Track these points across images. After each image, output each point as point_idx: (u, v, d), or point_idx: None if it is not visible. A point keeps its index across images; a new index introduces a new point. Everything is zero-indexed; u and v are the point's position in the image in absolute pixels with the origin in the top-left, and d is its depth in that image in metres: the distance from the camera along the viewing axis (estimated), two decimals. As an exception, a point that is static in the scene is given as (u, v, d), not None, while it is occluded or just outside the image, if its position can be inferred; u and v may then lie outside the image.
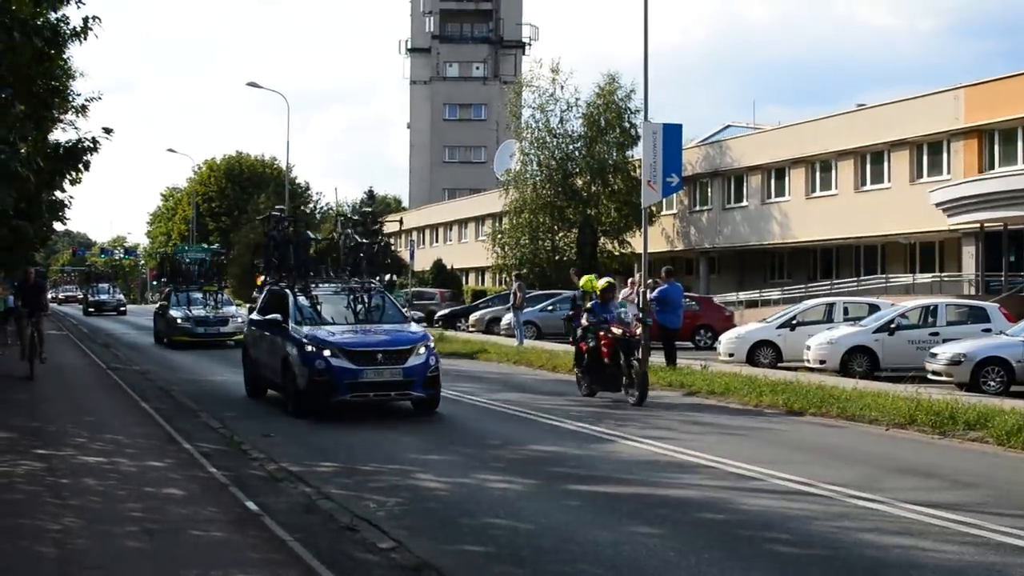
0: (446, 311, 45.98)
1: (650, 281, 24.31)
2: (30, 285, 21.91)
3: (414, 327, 17.44)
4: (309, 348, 15.75)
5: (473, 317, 43.09)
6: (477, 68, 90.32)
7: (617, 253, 51.15)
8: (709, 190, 50.30)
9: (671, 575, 7.66)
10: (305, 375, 15.72)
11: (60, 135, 25.02)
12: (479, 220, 69.32)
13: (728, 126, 59.18)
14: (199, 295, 35.11)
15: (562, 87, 51.64)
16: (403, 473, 11.65)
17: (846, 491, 10.50)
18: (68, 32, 16.11)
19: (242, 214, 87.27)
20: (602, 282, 19.18)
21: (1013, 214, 32.98)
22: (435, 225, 76.78)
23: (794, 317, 27.01)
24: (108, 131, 16.15)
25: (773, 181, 46.67)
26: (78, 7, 16.42)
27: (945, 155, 37.99)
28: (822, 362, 23.80)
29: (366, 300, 17.62)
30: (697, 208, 51.39)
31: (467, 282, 67.49)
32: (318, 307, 17.27)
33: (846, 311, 27.03)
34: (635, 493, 10.64)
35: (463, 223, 72.62)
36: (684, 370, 21.71)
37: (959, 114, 36.56)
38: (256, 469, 11.83)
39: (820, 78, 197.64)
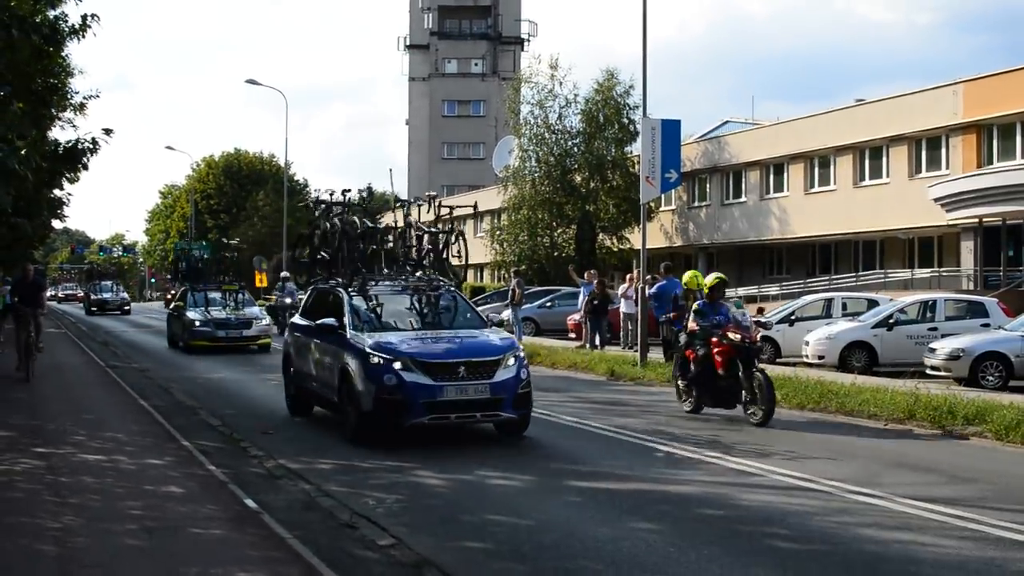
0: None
1: (648, 277, 24.33)
2: (28, 282, 21.18)
3: (497, 333, 14.76)
4: (375, 359, 12.98)
5: (472, 313, 43.05)
6: (476, 64, 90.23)
7: (616, 249, 51.10)
8: (708, 186, 50.29)
9: (671, 571, 7.66)
10: (371, 393, 12.87)
11: (59, 133, 25.05)
12: (477, 216, 69.24)
13: (726, 122, 59.12)
14: (218, 295, 31.78)
15: (561, 83, 51.57)
16: (402, 470, 11.65)
17: (845, 486, 10.51)
18: (66, 29, 16.10)
19: (241, 211, 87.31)
20: (711, 278, 16.49)
21: (1011, 209, 32.99)
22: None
23: (793, 313, 27.00)
24: (108, 132, 16.14)
25: (772, 177, 46.65)
26: (76, 4, 16.44)
27: (944, 150, 37.97)
28: (821, 357, 23.82)
29: (434, 301, 15.02)
30: (696, 204, 51.37)
31: (465, 279, 67.41)
32: (378, 310, 14.62)
33: (845, 306, 27.03)
34: (635, 489, 10.64)
35: (462, 220, 72.42)
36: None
37: (958, 109, 36.54)
38: (255, 467, 11.85)
39: (818, 73, 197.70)
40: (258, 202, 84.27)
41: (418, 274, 15.83)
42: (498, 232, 54.04)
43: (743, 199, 48.08)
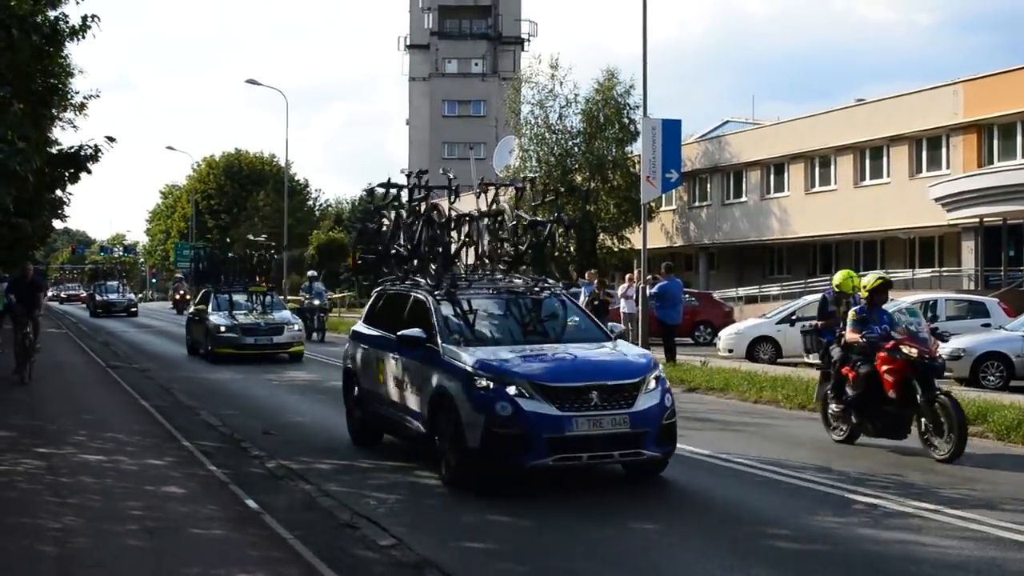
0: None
1: (649, 277, 24.34)
2: (27, 282, 20.61)
3: (629, 347, 12.02)
4: (483, 383, 10.23)
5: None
6: (476, 64, 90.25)
7: (616, 249, 51.06)
8: (708, 186, 50.29)
9: (671, 570, 7.66)
10: (478, 425, 10.08)
11: (59, 133, 25.08)
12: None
13: (727, 121, 59.12)
14: (243, 297, 28.55)
15: (561, 83, 51.50)
16: (403, 470, 11.66)
17: (846, 487, 10.51)
18: (67, 30, 16.10)
19: (241, 211, 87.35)
20: (870, 278, 13.61)
21: (1012, 208, 32.98)
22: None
23: (793, 313, 26.98)
24: (111, 139, 16.17)
25: (772, 176, 46.65)
26: (77, 4, 16.44)
27: (944, 150, 37.97)
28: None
29: (539, 307, 12.19)
30: (696, 204, 51.37)
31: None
32: (472, 317, 11.73)
33: (845, 306, 26.96)
34: (635, 489, 10.64)
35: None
36: (683, 366, 21.72)
37: (958, 109, 36.53)
38: (256, 467, 11.84)
39: (819, 73, 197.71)
40: (259, 202, 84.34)
41: (511, 275, 12.92)
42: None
43: (744, 199, 48.08)
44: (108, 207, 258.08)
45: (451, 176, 14.38)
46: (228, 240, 74.59)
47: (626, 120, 50.09)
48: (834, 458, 12.30)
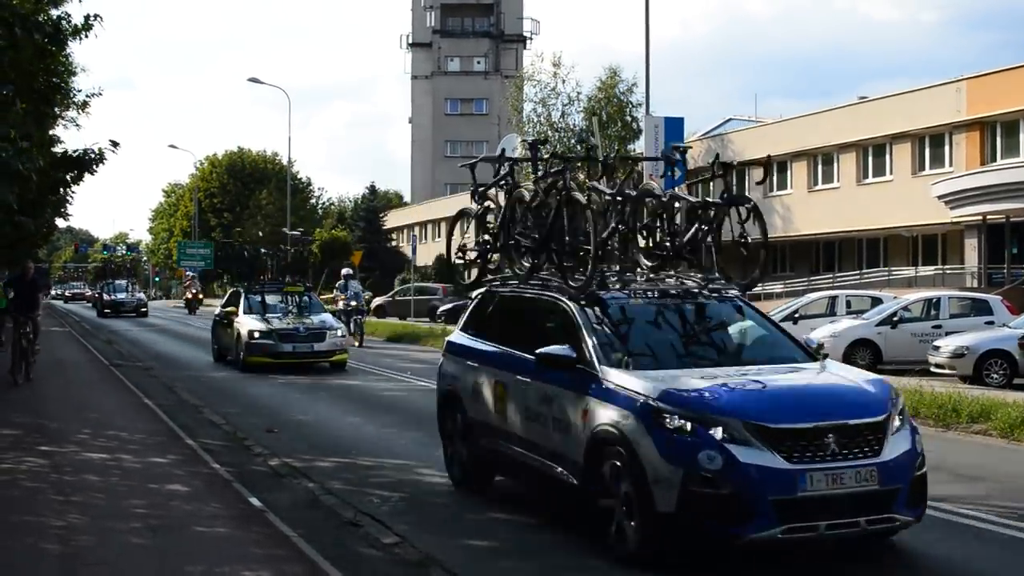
0: (449, 306, 46.01)
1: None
2: (27, 280, 20.11)
3: (847, 369, 9.60)
4: (678, 422, 7.59)
5: (476, 311, 43.09)
6: (478, 62, 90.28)
7: (619, 247, 51.07)
8: (711, 184, 50.19)
9: (675, 567, 7.64)
10: (673, 481, 7.42)
11: (62, 132, 25.08)
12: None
13: (730, 119, 59.08)
14: (277, 299, 25.39)
15: (563, 81, 51.58)
16: (406, 468, 11.66)
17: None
18: (69, 29, 16.09)
19: (244, 210, 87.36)
20: None
21: (1015, 206, 32.95)
22: (437, 220, 76.68)
23: (796, 310, 26.97)
24: (115, 144, 16.16)
25: (775, 174, 46.58)
26: (80, 2, 16.44)
27: (947, 147, 37.96)
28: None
29: (713, 316, 9.36)
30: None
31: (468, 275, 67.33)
32: (632, 331, 8.98)
33: (848, 304, 27.01)
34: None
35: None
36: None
37: (961, 106, 36.51)
38: (259, 465, 11.84)
39: (822, 71, 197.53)
40: (261, 200, 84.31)
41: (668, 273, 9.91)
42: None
43: (746, 197, 48.00)
44: (111, 206, 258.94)
45: (594, 141, 11.81)
46: (239, 236, 74.67)
47: (629, 118, 50.13)
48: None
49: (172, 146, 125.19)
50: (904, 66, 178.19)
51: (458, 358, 10.86)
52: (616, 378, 8.12)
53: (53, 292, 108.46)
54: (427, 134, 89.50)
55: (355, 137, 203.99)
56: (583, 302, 9.06)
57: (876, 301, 26.50)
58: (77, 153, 16.76)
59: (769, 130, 48.10)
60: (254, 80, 56.83)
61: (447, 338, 11.56)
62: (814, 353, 9.13)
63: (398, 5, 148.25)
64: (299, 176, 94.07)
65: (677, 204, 10.32)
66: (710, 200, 9.84)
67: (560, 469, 8.58)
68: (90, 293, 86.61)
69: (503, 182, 11.44)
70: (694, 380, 7.96)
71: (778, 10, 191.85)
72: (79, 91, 25.88)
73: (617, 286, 9.44)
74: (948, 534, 8.57)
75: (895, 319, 23.86)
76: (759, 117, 58.17)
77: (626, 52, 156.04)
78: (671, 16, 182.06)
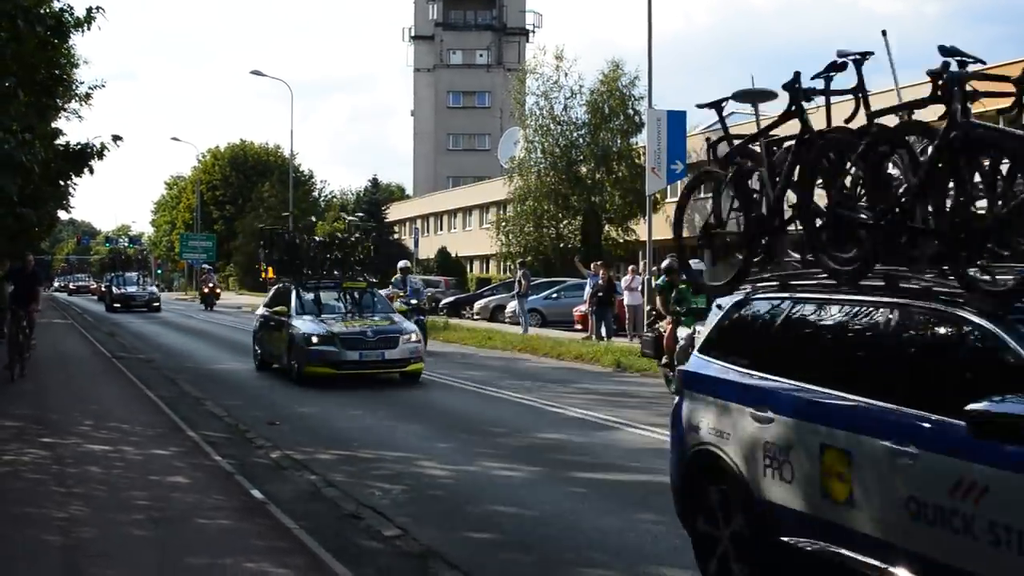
0: (451, 299, 46.10)
1: (655, 268, 24.29)
2: (27, 273, 19.79)
3: None
4: None
5: (478, 305, 43.15)
6: (481, 55, 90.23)
7: (622, 240, 51.04)
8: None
9: (677, 562, 7.65)
10: None
11: (64, 124, 25.07)
12: (483, 208, 69.23)
13: (732, 113, 58.89)
14: (334, 296, 21.38)
15: (566, 74, 51.51)
16: (407, 461, 11.66)
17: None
18: (72, 21, 16.10)
19: (246, 202, 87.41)
20: None
21: (1018, 201, 32.91)
22: (439, 213, 76.67)
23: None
24: (117, 138, 16.17)
25: (777, 168, 46.53)
26: (83, -5, 16.43)
27: (950, 142, 37.87)
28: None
29: None
30: (701, 195, 51.24)
31: (471, 270, 67.47)
32: None
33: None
34: (641, 481, 10.62)
35: (467, 211, 72.50)
36: (689, 357, 21.62)
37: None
38: (261, 457, 11.85)
39: (824, 64, 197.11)
40: (264, 193, 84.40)
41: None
42: (503, 223, 54.04)
43: (749, 190, 47.98)
44: (113, 198, 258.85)
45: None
46: (232, 229, 74.38)
47: (631, 111, 50.07)
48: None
49: (174, 138, 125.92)
50: (907, 59, 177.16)
51: (720, 401, 7.03)
52: None
53: (56, 284, 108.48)
54: (429, 127, 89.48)
55: (357, 130, 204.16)
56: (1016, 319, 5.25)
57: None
58: (79, 147, 16.77)
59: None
60: (256, 73, 56.98)
61: (685, 367, 7.82)
62: None
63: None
64: (301, 169, 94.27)
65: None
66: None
67: None
68: (96, 286, 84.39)
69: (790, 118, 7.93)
70: None
71: (781, 3, 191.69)
72: (81, 83, 25.91)
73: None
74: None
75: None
76: (762, 110, 58.04)
77: (629, 45, 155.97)
78: (674, 9, 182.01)
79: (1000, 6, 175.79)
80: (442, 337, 30.33)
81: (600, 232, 49.30)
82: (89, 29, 16.11)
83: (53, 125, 22.19)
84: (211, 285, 56.14)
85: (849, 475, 5.80)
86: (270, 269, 57.92)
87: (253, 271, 63.23)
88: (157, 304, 52.69)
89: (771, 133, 8.08)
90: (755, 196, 7.61)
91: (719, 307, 7.64)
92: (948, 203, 5.78)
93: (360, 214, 54.26)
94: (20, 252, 23.58)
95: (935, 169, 5.88)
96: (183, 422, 13.96)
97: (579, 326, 31.90)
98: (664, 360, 17.44)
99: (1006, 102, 7.03)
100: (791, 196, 7.04)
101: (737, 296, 7.43)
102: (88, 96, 25.74)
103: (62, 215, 40.60)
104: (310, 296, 21.03)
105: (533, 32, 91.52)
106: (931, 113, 6.64)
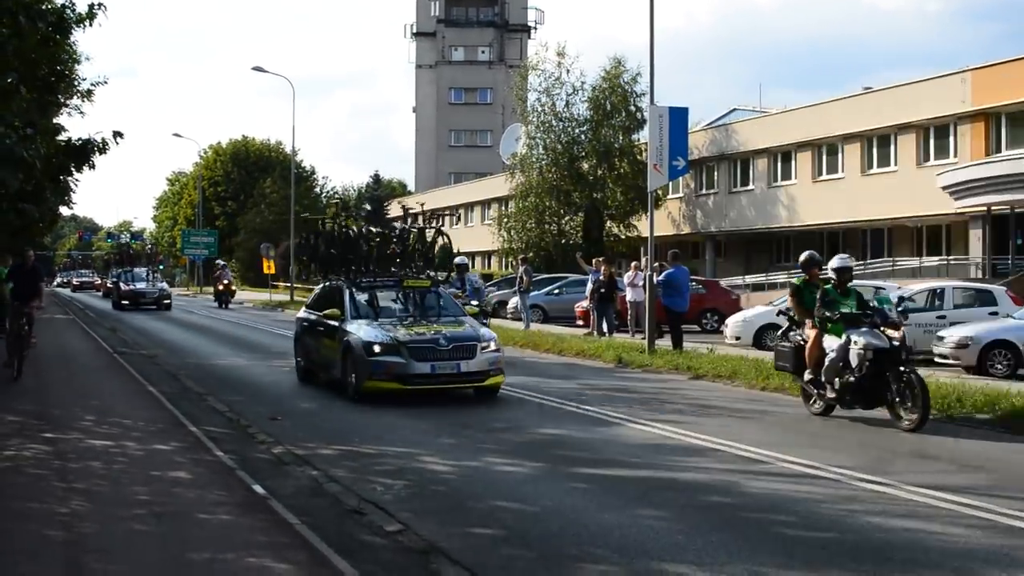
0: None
1: (656, 265, 24.29)
2: (27, 269, 19.42)
3: None
4: None
5: (479, 301, 43.11)
6: (483, 52, 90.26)
7: (623, 237, 51.09)
8: (715, 174, 50.21)
9: (678, 557, 7.65)
10: None
11: (66, 120, 25.07)
12: (485, 204, 69.26)
13: (734, 109, 59.01)
14: (394, 297, 18.08)
15: (568, 71, 51.56)
16: (409, 456, 11.66)
17: (853, 474, 10.49)
18: (74, 17, 16.10)
19: (248, 199, 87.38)
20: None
21: (1020, 197, 32.92)
22: (441, 209, 76.61)
23: (801, 301, 26.91)
24: (119, 134, 16.16)
25: (779, 164, 46.56)
26: (84, -9, 16.40)
27: (952, 138, 37.88)
28: (829, 345, 23.70)
29: None
30: (703, 192, 51.29)
31: (473, 266, 67.50)
32: None
33: (853, 294, 26.96)
34: (642, 476, 10.63)
35: (469, 207, 72.52)
36: (691, 353, 21.68)
37: (966, 97, 36.42)
38: (263, 452, 11.86)
39: (827, 61, 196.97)
40: (265, 189, 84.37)
41: None
42: (505, 219, 54.05)
43: (751, 187, 48.02)
44: (115, 194, 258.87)
45: None
46: (234, 226, 73.88)
47: (633, 108, 50.14)
48: (840, 444, 12.28)
49: (176, 135, 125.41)
50: (910, 56, 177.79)
51: None
52: None
53: (59, 280, 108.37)
54: (431, 123, 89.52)
55: (359, 126, 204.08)
56: None
57: (880, 291, 26.46)
58: (80, 142, 16.76)
59: (774, 120, 48.03)
60: (258, 69, 56.87)
61: None
62: None
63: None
64: (303, 165, 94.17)
65: None
66: None
67: None
68: (100, 281, 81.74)
69: None
70: None
71: (782, 0, 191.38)
72: (83, 80, 25.91)
73: None
74: (950, 524, 8.56)
75: (899, 309, 23.80)
76: (764, 107, 58.09)
77: (630, 42, 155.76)
78: (676, 6, 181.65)
79: (1001, 3, 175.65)
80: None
81: (602, 228, 49.33)
82: (91, 25, 16.11)
83: (55, 121, 22.17)
84: (226, 282, 53.19)
85: None
86: (270, 264, 58.18)
87: (255, 267, 62.97)
88: (168, 302, 49.38)
89: None
90: None
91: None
92: None
93: (366, 206, 53.81)
94: (21, 248, 23.40)
95: None
96: (185, 417, 13.98)
97: (581, 322, 31.92)
98: (808, 376, 14.60)
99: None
100: None
101: None
102: (90, 93, 25.76)
103: (64, 211, 40.48)
104: (364, 297, 17.79)
105: (535, 28, 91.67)
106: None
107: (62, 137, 20.41)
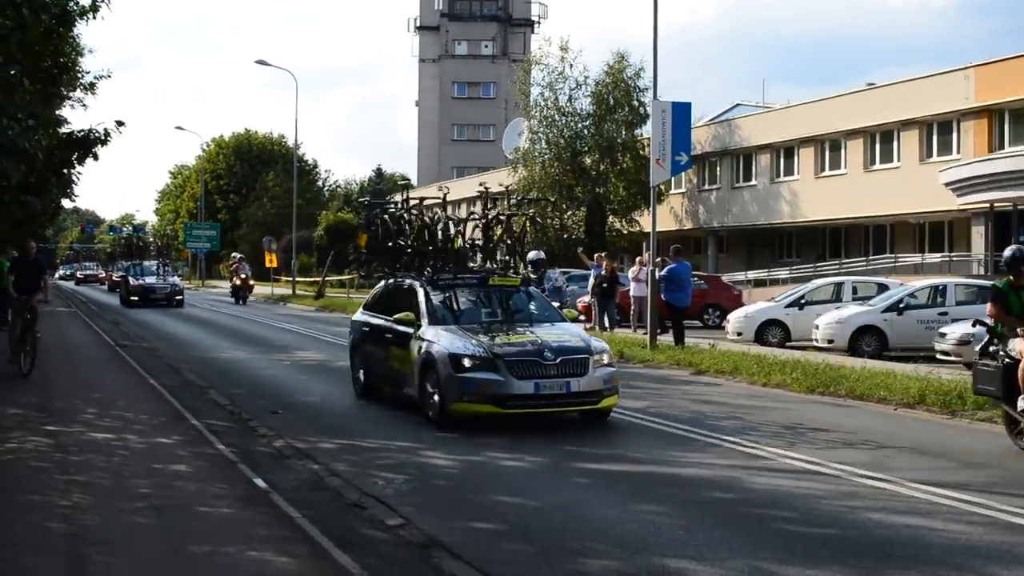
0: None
1: (659, 260, 24.28)
2: (30, 261, 18.83)
3: None
4: None
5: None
6: (486, 46, 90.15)
7: (626, 232, 51.08)
8: (718, 169, 50.20)
9: (680, 552, 7.65)
10: None
11: (69, 112, 25.04)
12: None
13: (737, 105, 58.98)
14: (471, 296, 15.01)
15: (571, 65, 51.53)
16: (410, 450, 11.66)
17: (855, 470, 10.48)
18: (77, 10, 16.10)
19: (250, 192, 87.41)
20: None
21: (1023, 194, 32.86)
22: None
23: (803, 296, 26.98)
24: (120, 124, 16.15)
25: (782, 160, 46.54)
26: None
27: (955, 134, 37.86)
28: (830, 341, 23.76)
29: None
30: (706, 187, 51.27)
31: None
32: None
33: (855, 290, 27.02)
34: (644, 472, 10.63)
35: (471, 201, 72.47)
36: (692, 349, 21.68)
37: (969, 93, 36.39)
38: (264, 446, 11.86)
39: (830, 57, 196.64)
40: (268, 182, 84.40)
41: None
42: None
43: (753, 182, 48.00)
44: (118, 187, 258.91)
45: None
46: (236, 219, 73.46)
47: (636, 103, 50.12)
48: (843, 442, 12.28)
49: (179, 127, 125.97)
50: (913, 52, 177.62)
51: None
52: None
53: (61, 272, 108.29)
54: (434, 117, 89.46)
55: (362, 120, 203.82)
56: None
57: (882, 288, 26.50)
58: (82, 133, 16.76)
59: (777, 116, 48.00)
60: (261, 62, 56.90)
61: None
62: None
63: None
64: (305, 158, 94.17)
65: None
66: None
67: None
68: (105, 274, 77.36)
69: None
70: None
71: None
72: (87, 72, 25.87)
73: None
74: (951, 521, 8.56)
75: (901, 306, 23.85)
76: (767, 102, 58.05)
77: (634, 36, 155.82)
78: (679, 1, 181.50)
79: (1004, 0, 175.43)
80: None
81: (604, 223, 49.34)
82: (94, 18, 16.13)
83: (57, 113, 22.16)
84: (244, 276, 49.47)
85: None
86: (272, 257, 57.86)
87: (257, 260, 62.83)
88: (180, 298, 45.21)
89: None
90: None
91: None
92: None
93: (366, 199, 53.63)
94: (23, 240, 23.18)
95: None
96: (186, 410, 13.98)
97: (582, 317, 31.91)
98: (1022, 405, 11.45)
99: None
100: None
101: None
102: (93, 85, 25.71)
103: (66, 203, 40.37)
104: (441, 299, 14.59)
105: (538, 23, 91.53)
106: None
107: (64, 129, 20.41)
